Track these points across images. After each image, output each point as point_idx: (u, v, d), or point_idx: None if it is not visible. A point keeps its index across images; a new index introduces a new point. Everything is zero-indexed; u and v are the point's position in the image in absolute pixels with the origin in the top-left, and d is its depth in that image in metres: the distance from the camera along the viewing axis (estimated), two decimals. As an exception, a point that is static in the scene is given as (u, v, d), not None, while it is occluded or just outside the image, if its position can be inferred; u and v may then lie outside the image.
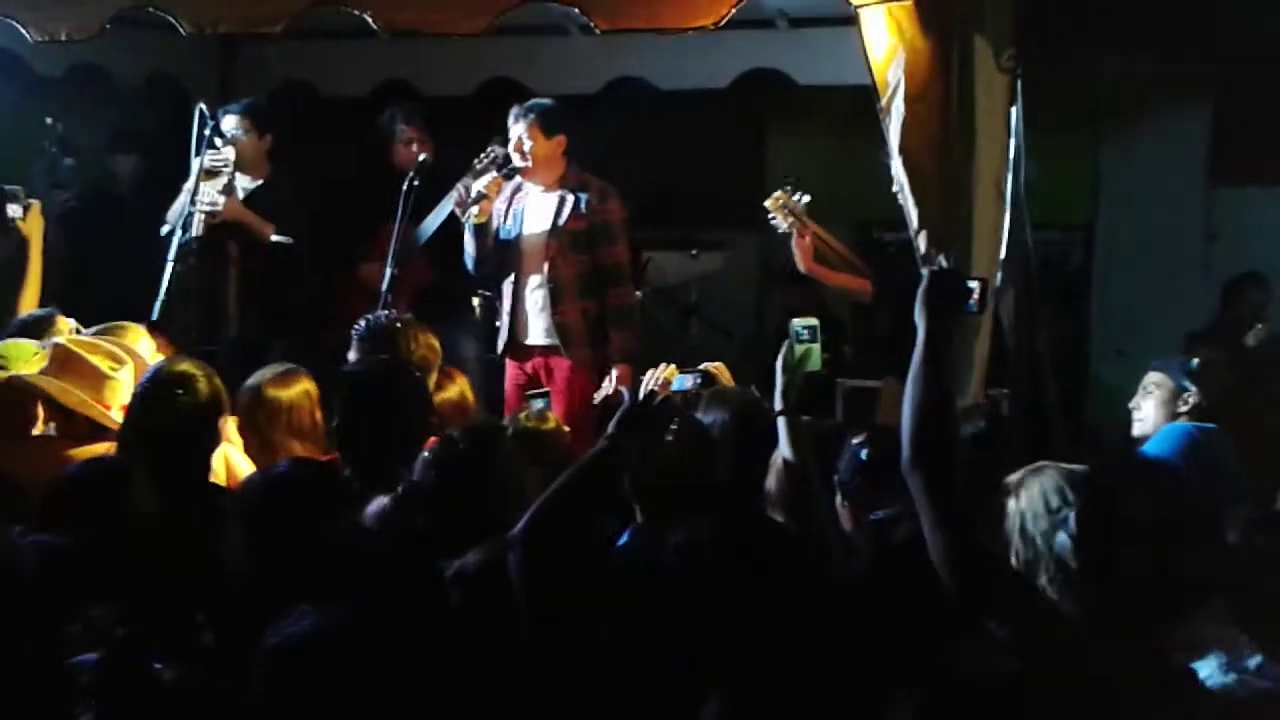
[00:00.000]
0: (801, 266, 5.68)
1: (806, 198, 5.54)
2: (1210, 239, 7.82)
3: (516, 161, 5.82)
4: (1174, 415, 4.39)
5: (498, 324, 6.08)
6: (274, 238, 6.31)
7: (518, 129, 5.79)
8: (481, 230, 5.88)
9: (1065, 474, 2.56)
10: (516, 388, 5.98)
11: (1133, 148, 7.84)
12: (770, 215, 5.56)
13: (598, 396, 5.78)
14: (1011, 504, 2.59)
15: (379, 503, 3.26)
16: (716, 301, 7.88)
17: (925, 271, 2.86)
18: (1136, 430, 4.56)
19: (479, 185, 5.87)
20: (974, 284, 2.87)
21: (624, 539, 3.34)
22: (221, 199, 6.19)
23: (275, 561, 3.12)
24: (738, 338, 7.45)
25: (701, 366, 3.73)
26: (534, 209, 5.92)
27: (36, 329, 4.74)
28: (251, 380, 4.29)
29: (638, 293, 7.07)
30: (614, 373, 5.78)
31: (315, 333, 6.26)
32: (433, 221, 6.34)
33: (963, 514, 2.57)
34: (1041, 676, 2.39)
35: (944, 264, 4.38)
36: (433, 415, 3.99)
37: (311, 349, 5.90)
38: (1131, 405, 4.59)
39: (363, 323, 4.59)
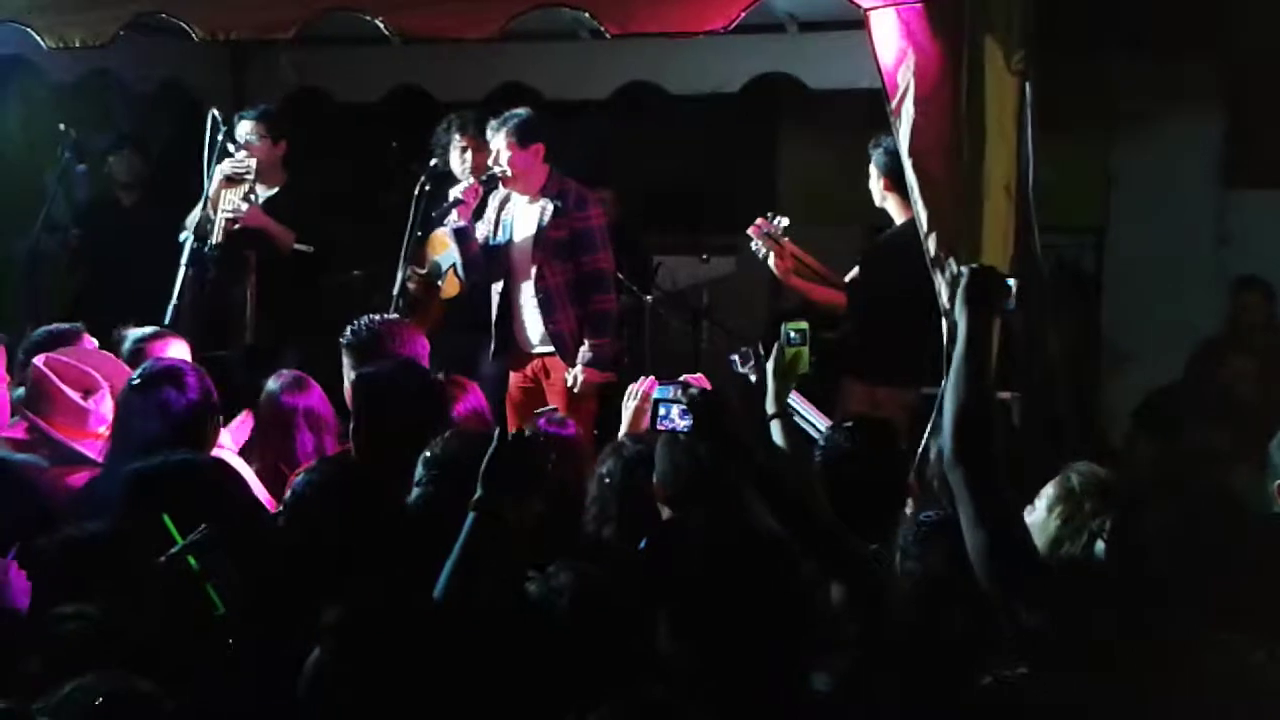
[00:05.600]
0: (783, 281, 5.71)
1: (785, 221, 5.57)
2: (1222, 243, 7.80)
3: (496, 171, 5.84)
4: None
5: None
6: (295, 246, 6.32)
7: (496, 141, 5.81)
8: (462, 235, 5.89)
9: (1101, 478, 2.53)
10: (520, 390, 5.99)
11: (1145, 151, 7.80)
12: (750, 240, 5.58)
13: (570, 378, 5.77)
14: (1044, 501, 2.57)
15: None
16: (728, 305, 7.88)
17: (965, 270, 2.84)
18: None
19: (455, 191, 5.88)
20: (1012, 281, 2.87)
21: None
22: (244, 205, 6.21)
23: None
24: (749, 341, 7.43)
25: (681, 378, 3.75)
26: (520, 218, 5.95)
27: (61, 342, 4.75)
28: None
29: (648, 298, 7.11)
30: (579, 374, 5.78)
31: (328, 338, 6.26)
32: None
33: (1002, 510, 2.55)
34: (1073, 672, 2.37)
35: (955, 267, 4.36)
36: (446, 417, 3.97)
37: (325, 354, 5.91)
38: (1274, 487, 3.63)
39: (348, 329, 4.57)
